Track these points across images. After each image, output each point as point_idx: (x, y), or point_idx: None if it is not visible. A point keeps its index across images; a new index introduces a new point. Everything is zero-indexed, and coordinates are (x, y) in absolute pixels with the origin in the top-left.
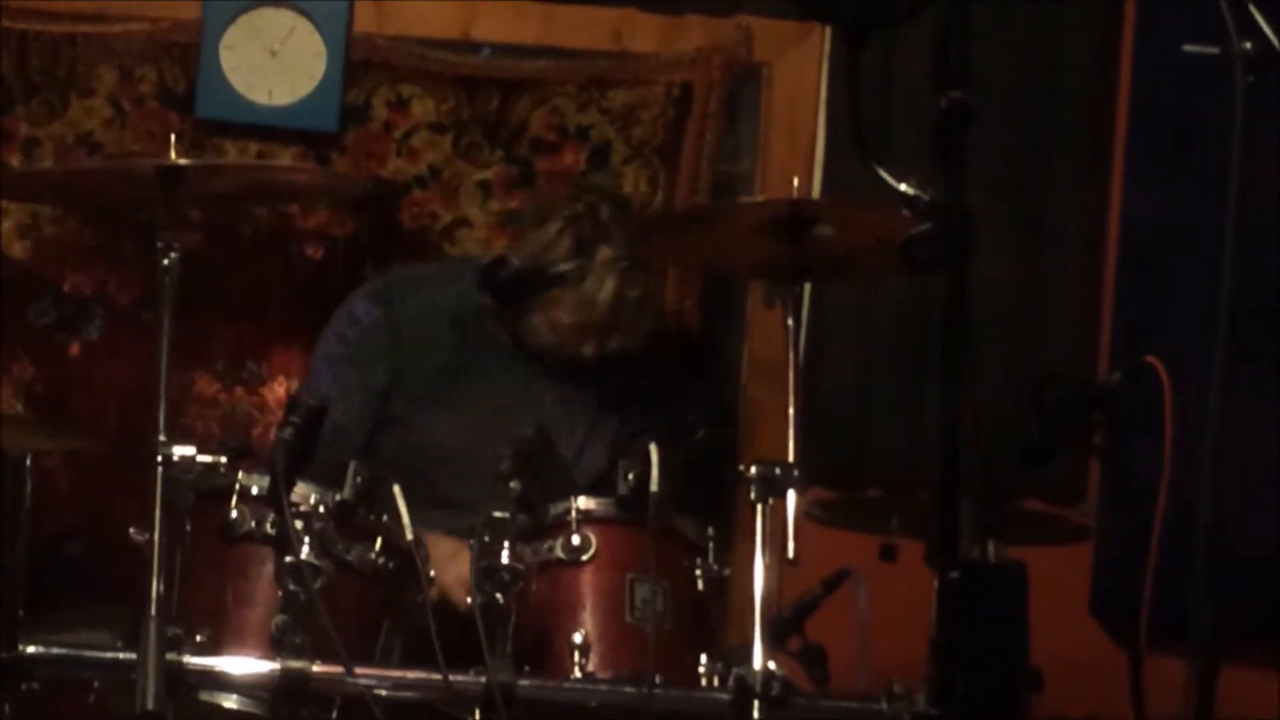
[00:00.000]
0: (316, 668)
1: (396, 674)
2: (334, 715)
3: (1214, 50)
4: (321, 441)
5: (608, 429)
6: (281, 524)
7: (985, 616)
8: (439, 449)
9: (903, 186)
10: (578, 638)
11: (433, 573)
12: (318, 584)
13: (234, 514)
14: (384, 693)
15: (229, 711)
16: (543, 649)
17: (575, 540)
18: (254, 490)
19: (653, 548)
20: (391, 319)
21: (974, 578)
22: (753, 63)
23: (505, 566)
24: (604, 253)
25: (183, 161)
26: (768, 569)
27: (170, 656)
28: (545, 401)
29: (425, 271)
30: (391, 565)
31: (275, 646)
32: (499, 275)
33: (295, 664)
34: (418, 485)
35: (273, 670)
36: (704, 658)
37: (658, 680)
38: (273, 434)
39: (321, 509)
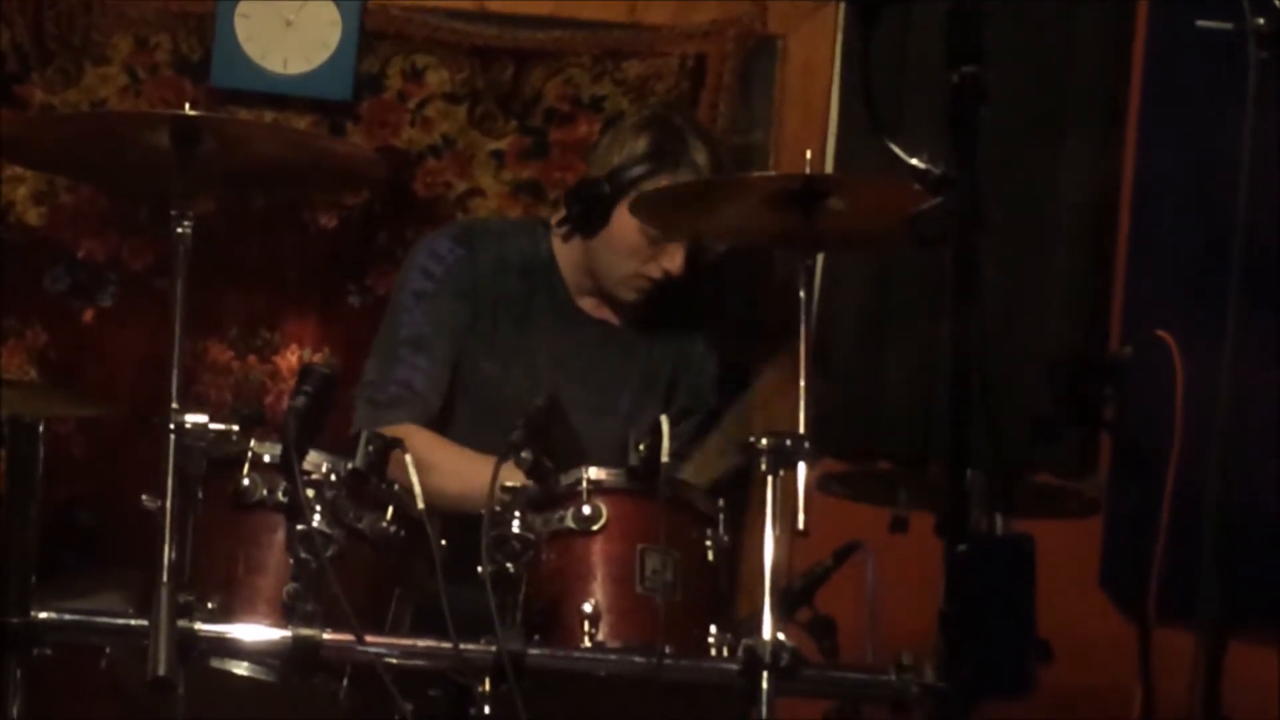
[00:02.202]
0: (327, 636)
1: (407, 643)
2: (344, 683)
3: (1227, 26)
4: (415, 379)
5: (658, 390)
6: (293, 492)
7: (993, 589)
8: (496, 396)
9: (914, 161)
10: (588, 607)
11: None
12: (329, 552)
13: (246, 482)
14: (394, 661)
15: (240, 678)
16: (553, 618)
17: (586, 510)
18: (266, 458)
19: (663, 518)
20: (474, 259)
21: (982, 551)
22: (767, 35)
23: (516, 536)
24: (692, 145)
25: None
26: (778, 540)
27: (182, 623)
28: (602, 359)
29: (498, 223)
30: (403, 534)
31: (286, 614)
32: (582, 191)
33: (306, 632)
34: (473, 430)
35: (284, 638)
36: (713, 628)
37: (667, 650)
38: (285, 402)
39: (333, 477)
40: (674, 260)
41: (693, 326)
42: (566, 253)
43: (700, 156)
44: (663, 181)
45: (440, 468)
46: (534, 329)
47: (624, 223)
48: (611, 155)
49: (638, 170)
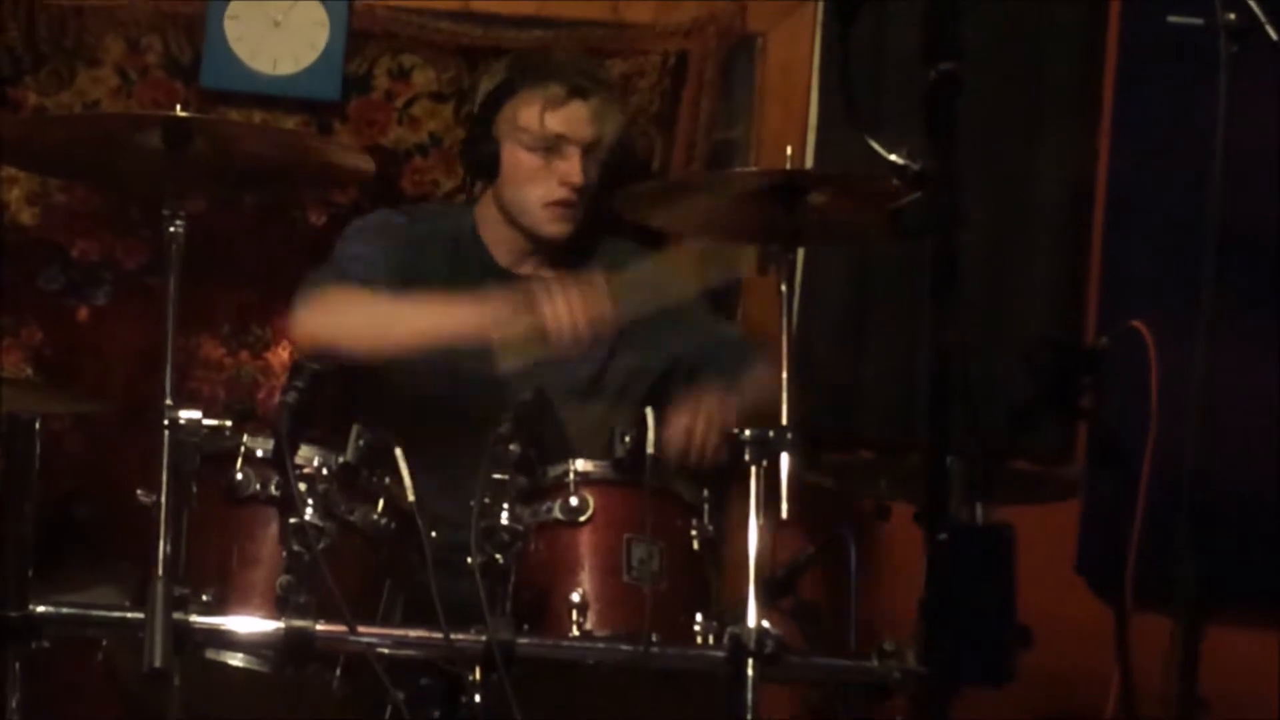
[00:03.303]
0: (320, 627)
1: (398, 633)
2: (337, 673)
3: (1198, 21)
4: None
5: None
6: (286, 486)
7: (973, 577)
8: (431, 364)
9: (893, 157)
10: (576, 597)
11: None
12: (321, 545)
13: (239, 476)
14: (386, 651)
15: (234, 669)
16: (541, 608)
17: (573, 501)
18: (259, 453)
19: (649, 509)
20: (411, 230)
21: (962, 539)
22: (747, 33)
23: (505, 527)
24: (553, 58)
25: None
26: (761, 529)
27: (177, 615)
28: None
29: (421, 207)
30: (394, 526)
31: (280, 606)
32: (466, 138)
33: (299, 623)
34: (418, 397)
35: (277, 629)
36: (699, 616)
37: (654, 638)
38: (277, 397)
39: (325, 471)
40: (572, 170)
41: (624, 255)
42: (488, 219)
43: (564, 66)
44: (526, 95)
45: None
46: (463, 294)
47: (511, 151)
48: (482, 92)
49: (501, 90)
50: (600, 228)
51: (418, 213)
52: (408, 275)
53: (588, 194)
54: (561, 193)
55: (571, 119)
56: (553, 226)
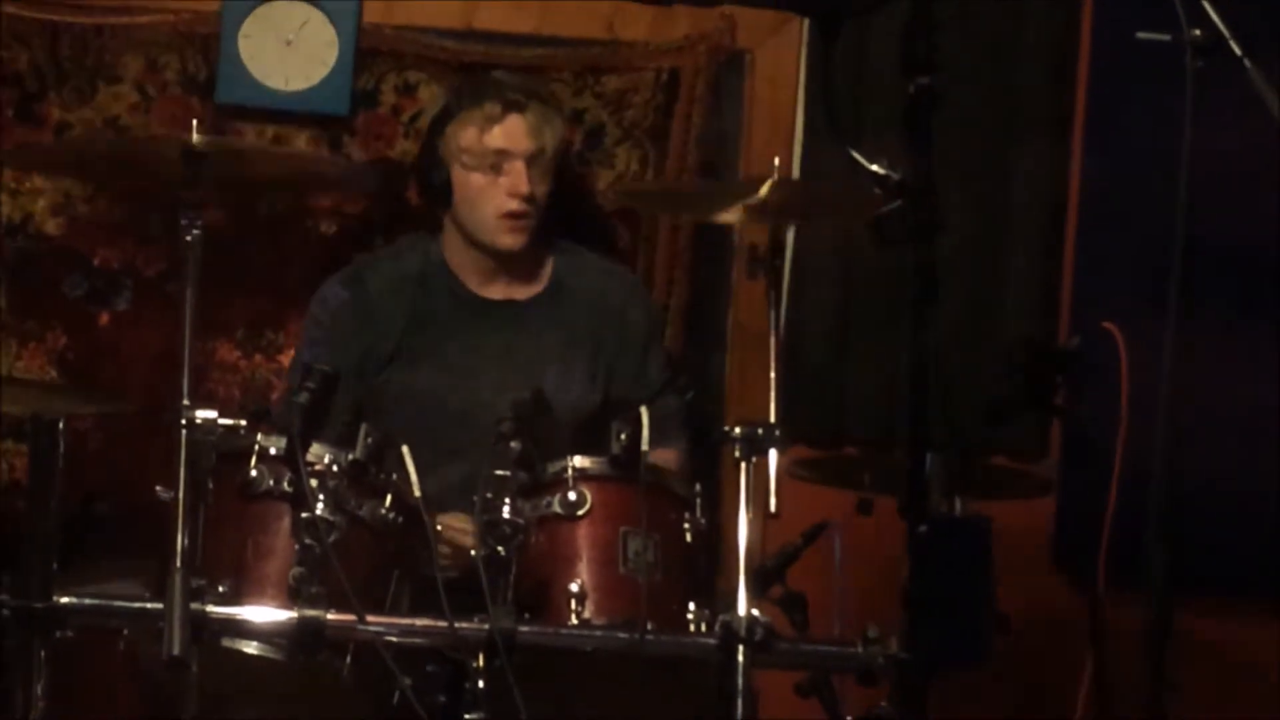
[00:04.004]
0: (331, 616)
1: (405, 622)
2: (348, 660)
3: (1165, 37)
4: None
5: (584, 350)
6: (298, 482)
7: (953, 567)
8: (425, 399)
9: (874, 167)
10: (574, 587)
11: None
12: (332, 538)
13: (253, 473)
14: (394, 639)
15: (249, 657)
16: (542, 598)
17: (572, 496)
18: (272, 451)
19: (644, 503)
20: (360, 297)
21: (942, 532)
22: (736, 50)
23: (506, 521)
24: (492, 78)
25: (199, 140)
26: (751, 522)
27: (194, 606)
28: (516, 339)
29: (390, 249)
30: (401, 520)
31: (292, 596)
32: (417, 165)
33: (311, 613)
34: (420, 437)
35: (290, 619)
36: (692, 605)
37: (649, 626)
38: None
39: (335, 468)
40: (518, 182)
41: (607, 279)
42: (453, 245)
43: (498, 84)
44: (464, 117)
45: None
46: (440, 329)
47: (459, 174)
48: (426, 120)
49: (442, 117)
50: (555, 239)
51: (367, 270)
52: (364, 339)
53: (538, 204)
54: (512, 204)
55: (510, 133)
56: (508, 239)
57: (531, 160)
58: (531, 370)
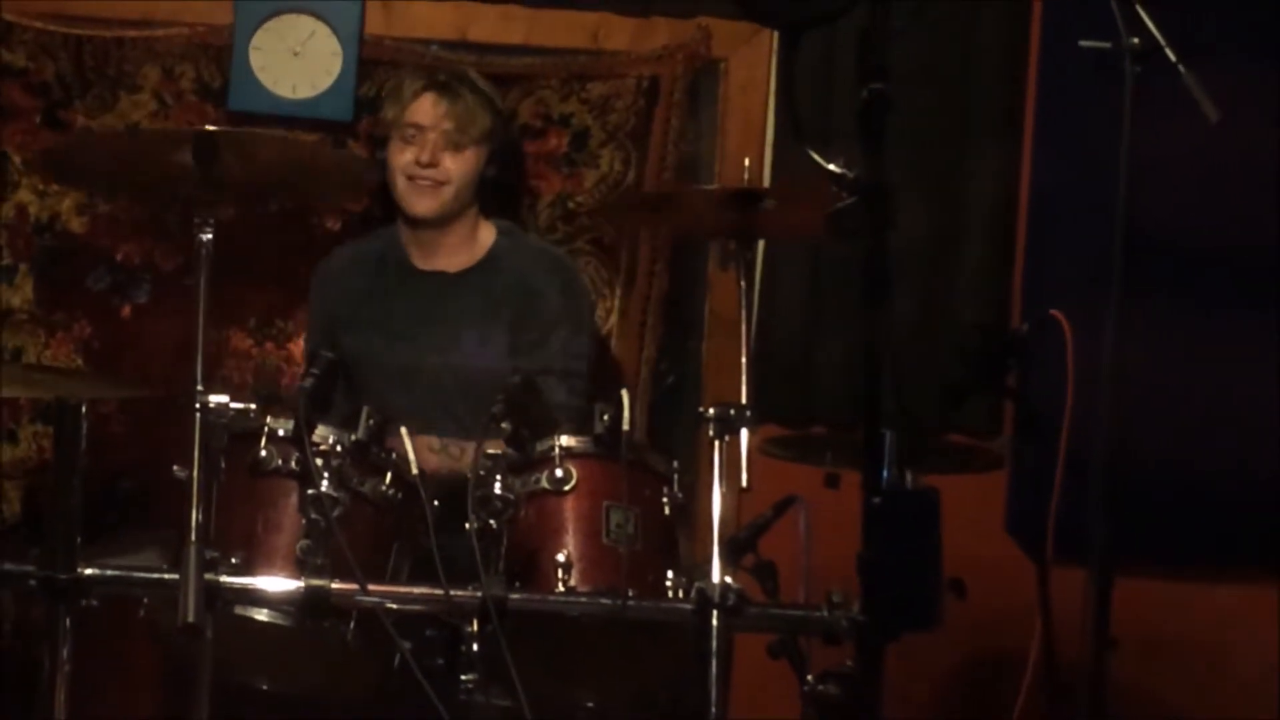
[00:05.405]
0: (335, 585)
1: (404, 590)
2: (351, 626)
3: (1107, 45)
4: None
5: (502, 322)
6: (304, 461)
7: (903, 536)
8: (371, 360)
9: (831, 166)
10: (561, 557)
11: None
12: (336, 513)
13: (263, 453)
14: (394, 606)
15: (260, 623)
16: (531, 567)
17: (559, 473)
18: (280, 432)
19: (625, 479)
20: (323, 274)
21: (893, 502)
22: (711, 58)
23: (498, 496)
24: (408, 76)
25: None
26: (724, 496)
27: (208, 576)
28: (442, 305)
29: (369, 237)
30: (400, 496)
31: (299, 567)
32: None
33: (317, 582)
34: (372, 393)
35: (297, 588)
36: (670, 574)
37: (630, 594)
38: (297, 383)
39: (339, 447)
40: (423, 150)
41: (537, 259)
42: (401, 223)
43: (430, 69)
44: (399, 90)
45: None
46: (386, 299)
47: (390, 145)
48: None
49: (384, 102)
50: (504, 223)
51: (337, 253)
52: (330, 307)
53: (454, 184)
54: (414, 169)
55: (426, 110)
56: (417, 202)
57: (446, 138)
58: (452, 334)
